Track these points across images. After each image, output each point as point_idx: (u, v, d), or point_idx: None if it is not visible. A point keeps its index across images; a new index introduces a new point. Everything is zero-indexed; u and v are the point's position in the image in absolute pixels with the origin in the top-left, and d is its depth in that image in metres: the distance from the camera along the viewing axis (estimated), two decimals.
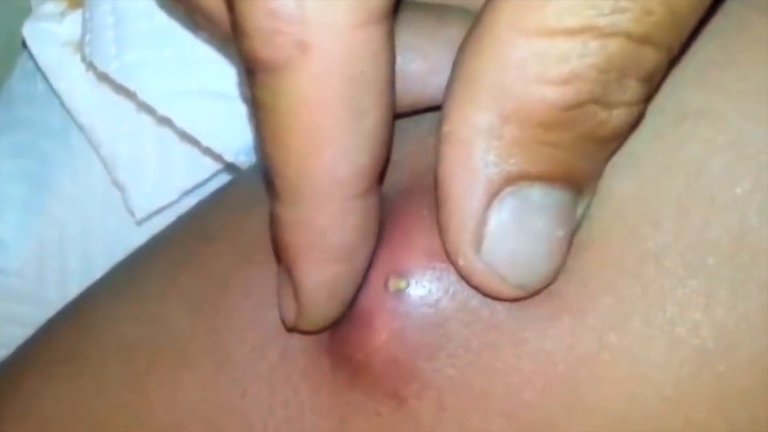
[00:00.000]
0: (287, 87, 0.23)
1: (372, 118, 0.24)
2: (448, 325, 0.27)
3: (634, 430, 0.26)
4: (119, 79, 0.35)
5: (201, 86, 0.35)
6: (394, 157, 0.29)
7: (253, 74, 0.24)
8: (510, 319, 0.27)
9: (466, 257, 0.25)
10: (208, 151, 0.36)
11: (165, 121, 0.35)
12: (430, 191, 0.27)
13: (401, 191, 0.28)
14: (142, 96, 0.35)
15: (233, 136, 0.35)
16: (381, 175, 0.26)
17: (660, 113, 0.27)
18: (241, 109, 0.35)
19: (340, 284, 0.26)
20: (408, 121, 0.29)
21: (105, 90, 0.37)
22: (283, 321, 0.28)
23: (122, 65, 0.35)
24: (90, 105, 0.37)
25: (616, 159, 0.26)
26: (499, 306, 0.27)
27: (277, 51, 0.23)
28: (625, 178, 0.27)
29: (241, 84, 0.34)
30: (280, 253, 0.27)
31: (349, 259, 0.26)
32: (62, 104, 0.38)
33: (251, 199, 0.31)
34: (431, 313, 0.27)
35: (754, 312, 0.26)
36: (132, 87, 0.35)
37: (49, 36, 0.37)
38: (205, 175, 0.37)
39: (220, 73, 0.35)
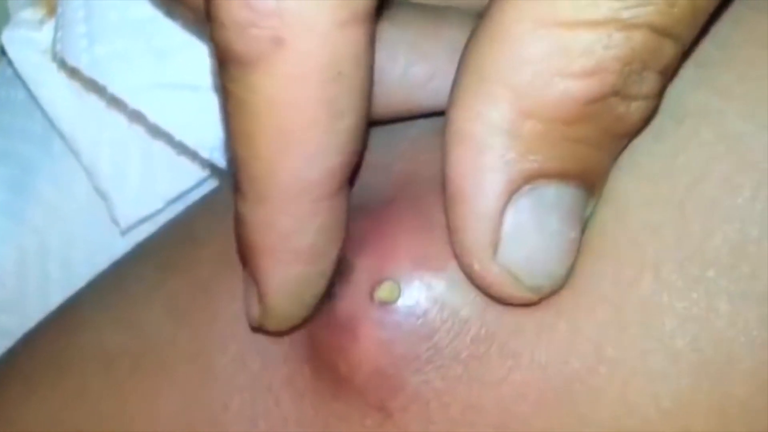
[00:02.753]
0: (259, 83, 0.23)
1: (347, 121, 0.24)
2: (437, 337, 0.26)
3: None
4: (89, 72, 0.34)
5: (174, 79, 0.34)
6: (381, 160, 0.28)
7: (226, 66, 0.23)
8: (501, 330, 0.26)
9: (483, 260, 0.25)
10: (186, 151, 0.35)
11: (136, 116, 0.34)
12: (419, 197, 0.27)
13: (387, 197, 0.27)
14: (112, 89, 0.34)
15: (208, 131, 0.34)
16: (352, 177, 0.25)
17: (660, 113, 0.26)
18: (216, 103, 0.34)
19: (306, 285, 0.26)
20: (395, 123, 0.29)
21: (86, 97, 0.36)
22: (248, 320, 0.27)
23: (92, 59, 0.34)
24: (71, 112, 0.36)
25: (618, 160, 0.26)
26: (490, 316, 0.26)
27: (251, 45, 0.22)
28: (625, 182, 0.26)
29: (214, 74, 0.33)
30: (243, 251, 0.26)
31: (314, 260, 0.25)
32: (43, 111, 0.37)
33: (232, 203, 0.30)
34: (419, 323, 0.26)
35: (754, 325, 0.25)
36: (102, 81, 0.34)
37: (29, 43, 0.36)
38: (190, 183, 0.36)
39: (195, 65, 0.34)
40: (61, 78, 0.37)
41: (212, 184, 0.36)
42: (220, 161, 0.34)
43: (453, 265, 0.26)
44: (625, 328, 0.26)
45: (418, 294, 0.26)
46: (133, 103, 0.34)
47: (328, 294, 0.27)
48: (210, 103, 0.34)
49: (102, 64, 0.34)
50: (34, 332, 0.33)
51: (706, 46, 0.27)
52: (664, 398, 0.26)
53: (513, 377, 0.26)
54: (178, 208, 0.35)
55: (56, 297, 0.36)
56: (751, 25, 0.27)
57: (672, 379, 0.26)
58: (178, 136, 0.34)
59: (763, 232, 0.26)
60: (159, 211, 0.36)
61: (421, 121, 0.29)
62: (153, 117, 0.34)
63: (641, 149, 0.26)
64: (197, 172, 0.36)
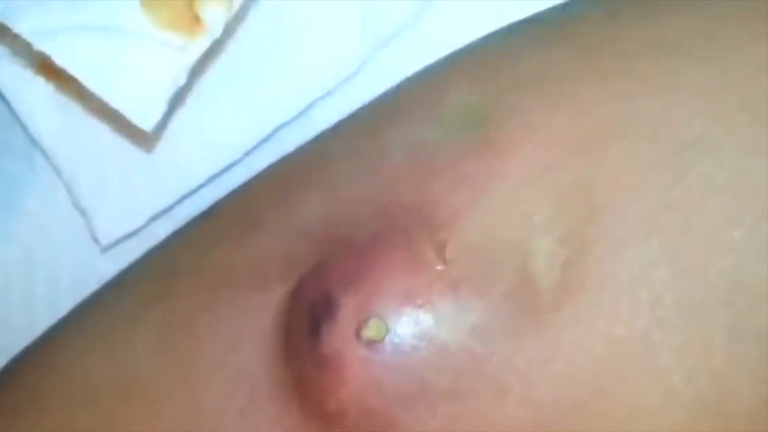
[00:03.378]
0: None
1: None
2: (427, 373, 0.26)
3: None
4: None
5: (86, 21, 0.31)
6: (363, 192, 0.28)
7: None
8: (493, 366, 0.25)
9: None
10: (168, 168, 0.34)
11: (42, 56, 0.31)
12: (404, 230, 0.26)
13: (372, 231, 0.27)
14: (18, 30, 0.31)
15: (120, 77, 0.31)
16: None
17: (656, 141, 0.26)
18: (130, 46, 0.30)
19: None
20: (370, 151, 0.28)
21: (67, 111, 0.35)
22: None
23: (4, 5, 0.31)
24: (51, 127, 0.35)
25: (611, 190, 0.26)
26: (480, 351, 0.25)
27: None
28: (621, 213, 0.26)
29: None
30: None
31: None
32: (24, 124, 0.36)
33: (219, 233, 0.30)
34: (407, 360, 0.26)
35: (753, 360, 0.25)
36: (9, 23, 0.31)
37: (9, 57, 0.35)
38: (172, 199, 0.35)
39: (110, 6, 0.31)
40: (41, 91, 0.36)
41: (195, 200, 0.36)
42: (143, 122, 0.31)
43: (441, 300, 0.26)
44: (622, 363, 0.25)
45: (405, 330, 0.26)
46: (39, 44, 0.31)
47: (314, 332, 0.26)
48: (124, 49, 0.31)
49: (10, 7, 0.31)
50: (16, 363, 0.33)
51: (707, 72, 0.26)
52: None
53: (506, 413, 0.25)
54: (161, 224, 0.34)
55: (41, 311, 0.35)
56: (747, 51, 0.27)
57: (669, 415, 0.25)
58: (87, 82, 0.31)
59: (762, 266, 0.25)
60: (140, 228, 0.35)
61: (398, 145, 0.28)
62: (60, 60, 0.31)
63: (636, 180, 0.26)
64: (179, 189, 0.35)
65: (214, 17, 0.29)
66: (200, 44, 0.29)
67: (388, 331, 0.26)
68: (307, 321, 0.26)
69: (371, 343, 0.26)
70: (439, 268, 0.26)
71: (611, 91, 0.27)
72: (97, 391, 0.29)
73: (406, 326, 0.26)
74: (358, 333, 0.26)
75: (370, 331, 0.26)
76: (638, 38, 0.28)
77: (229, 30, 0.32)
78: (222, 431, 0.27)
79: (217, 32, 0.29)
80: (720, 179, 0.26)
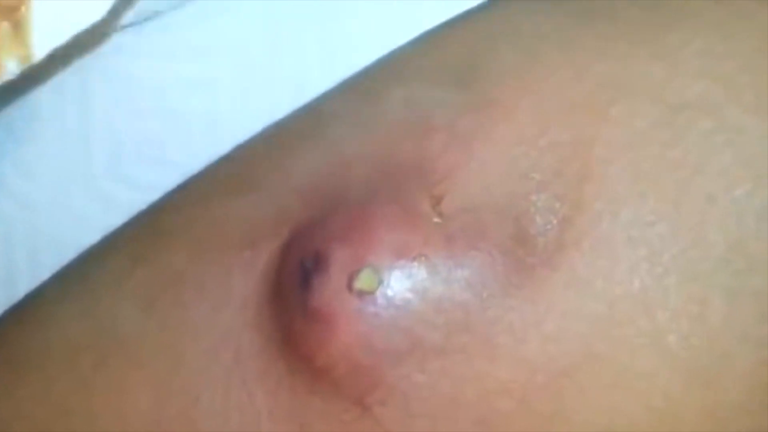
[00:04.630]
0: None
1: None
2: (418, 328, 0.25)
3: None
4: None
5: None
6: (357, 150, 0.27)
7: None
8: (485, 322, 0.25)
9: None
10: None
11: None
12: (399, 186, 0.26)
13: (365, 185, 0.26)
14: None
15: None
16: None
17: (657, 101, 0.26)
18: None
19: None
20: (366, 110, 0.28)
21: None
22: None
23: None
24: None
25: (611, 148, 0.25)
26: (474, 308, 0.25)
27: None
28: (620, 171, 0.25)
29: None
30: None
31: None
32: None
33: (206, 193, 0.29)
34: (399, 315, 0.25)
35: (751, 322, 0.25)
36: None
37: None
38: None
39: None
40: None
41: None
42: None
43: (436, 253, 0.25)
44: (616, 324, 0.25)
45: (398, 284, 0.25)
46: None
47: (304, 286, 0.26)
48: None
49: None
50: None
51: (705, 34, 0.26)
52: (654, 398, 0.25)
53: (496, 372, 0.25)
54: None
55: (22, 286, 0.35)
56: (753, 16, 0.27)
57: (662, 378, 0.25)
58: None
59: (761, 226, 0.25)
60: None
61: (396, 101, 0.28)
62: None
63: (636, 139, 0.26)
64: None
65: (12, 65, 0.31)
66: None
67: (380, 283, 0.25)
68: (298, 274, 0.26)
69: (363, 296, 0.25)
70: (435, 221, 0.25)
71: (610, 54, 0.27)
72: (79, 351, 0.29)
73: (399, 279, 0.25)
74: (349, 285, 0.25)
75: (362, 283, 0.25)
76: (638, 4, 0.28)
77: None
78: (208, 388, 0.27)
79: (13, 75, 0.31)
80: (720, 139, 0.25)
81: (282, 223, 0.27)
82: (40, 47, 0.30)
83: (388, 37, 0.31)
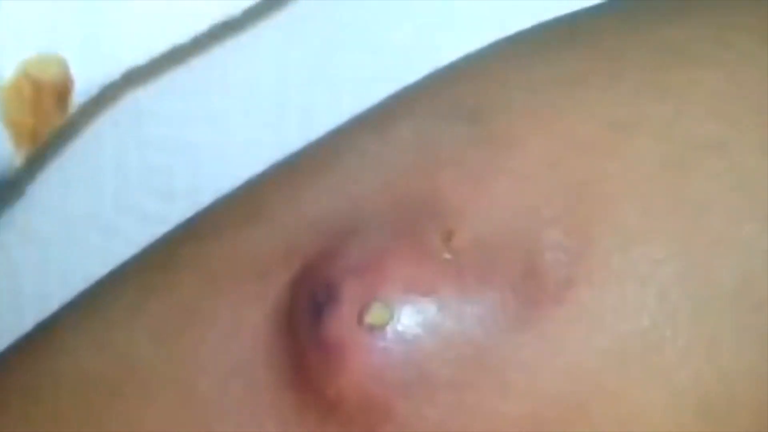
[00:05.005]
0: None
1: None
2: (428, 363, 0.25)
3: None
4: None
5: None
6: (370, 183, 0.27)
7: None
8: (495, 357, 0.25)
9: None
10: None
11: None
12: (409, 219, 0.26)
13: (376, 219, 0.27)
14: None
15: None
16: None
17: (665, 141, 0.26)
18: None
19: None
20: (378, 145, 0.28)
21: None
22: None
23: None
24: None
25: (620, 186, 0.26)
26: (485, 343, 0.25)
27: None
28: (630, 208, 0.26)
29: None
30: None
31: None
32: None
33: (218, 225, 0.30)
34: (410, 349, 0.25)
35: (759, 359, 0.25)
36: None
37: None
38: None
39: None
40: None
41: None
42: None
43: (446, 289, 0.25)
44: (627, 360, 0.25)
45: (408, 318, 0.25)
46: None
47: (315, 318, 0.26)
48: None
49: None
50: (6, 355, 0.32)
51: (711, 75, 0.27)
52: (665, 430, 0.25)
53: (507, 407, 0.25)
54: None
55: (30, 317, 0.35)
56: (756, 57, 0.27)
57: (673, 415, 0.25)
58: None
59: None
60: None
61: (403, 134, 0.28)
62: None
63: (645, 178, 0.26)
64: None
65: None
66: None
67: (391, 317, 0.25)
68: (309, 307, 0.26)
69: (374, 330, 0.25)
70: (446, 257, 0.26)
71: (619, 94, 0.27)
72: (91, 382, 0.29)
73: (410, 314, 0.25)
74: (360, 318, 0.25)
75: (373, 317, 0.25)
76: (648, 43, 0.28)
77: None
78: (219, 420, 0.27)
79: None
80: (728, 179, 0.26)
81: (293, 255, 0.27)
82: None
83: (396, 72, 0.31)
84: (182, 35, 0.33)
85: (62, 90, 0.32)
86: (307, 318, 0.26)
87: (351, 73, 0.34)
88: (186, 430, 0.27)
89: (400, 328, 0.25)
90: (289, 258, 0.27)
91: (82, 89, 0.33)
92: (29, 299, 0.38)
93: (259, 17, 0.35)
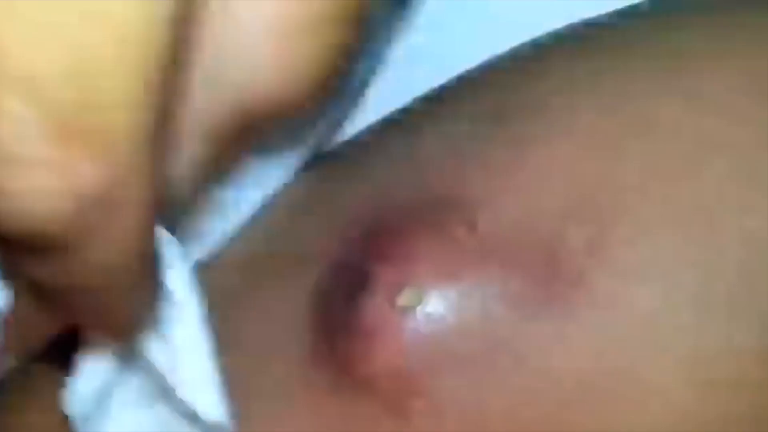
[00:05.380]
0: None
1: None
2: (455, 343, 0.27)
3: None
4: None
5: None
6: (396, 178, 0.29)
7: None
8: (515, 337, 0.27)
9: None
10: None
11: None
12: (435, 211, 0.28)
13: (405, 211, 0.29)
14: None
15: None
16: None
17: (678, 139, 0.28)
18: None
19: None
20: (406, 144, 0.30)
21: None
22: None
23: None
24: None
25: (637, 181, 0.27)
26: (504, 323, 0.27)
27: None
28: (646, 202, 0.27)
29: None
30: None
31: None
32: None
33: (258, 215, 0.32)
34: (438, 330, 0.27)
35: (763, 338, 0.27)
36: None
37: None
38: None
39: None
40: None
41: None
42: None
43: (470, 275, 0.27)
44: (639, 342, 0.27)
45: (436, 302, 0.27)
46: None
47: (350, 303, 0.28)
48: None
49: None
50: None
51: (729, 74, 0.28)
52: (672, 411, 0.27)
53: (525, 383, 0.27)
54: None
55: None
56: None
57: (679, 392, 0.27)
58: None
59: None
60: None
61: (434, 140, 0.30)
62: None
63: (659, 176, 0.28)
64: None
65: None
66: None
67: (420, 301, 0.27)
68: (345, 291, 0.28)
69: (405, 312, 0.27)
70: (471, 245, 0.28)
71: (634, 94, 0.29)
72: None
73: (438, 298, 0.27)
74: (392, 302, 0.27)
75: (405, 301, 0.27)
76: (659, 46, 0.30)
77: None
78: (255, 399, 0.29)
79: None
80: (738, 175, 0.27)
81: (331, 243, 0.29)
82: None
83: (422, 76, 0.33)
84: None
85: None
86: (343, 302, 0.28)
87: (380, 76, 0.35)
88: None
89: (429, 310, 0.27)
90: (327, 246, 0.29)
91: None
92: None
93: None
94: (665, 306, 0.27)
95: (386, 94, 0.34)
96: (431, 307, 0.27)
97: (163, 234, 0.22)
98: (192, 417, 0.25)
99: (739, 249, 0.27)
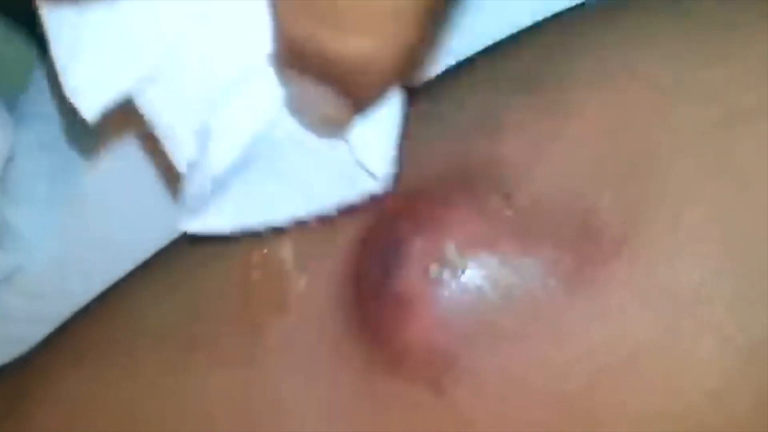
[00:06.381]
0: None
1: None
2: (490, 314, 0.27)
3: (676, 425, 0.26)
4: None
5: None
6: (432, 148, 0.29)
7: None
8: (553, 310, 0.27)
9: None
10: None
11: None
12: (471, 181, 0.28)
13: (441, 181, 0.28)
14: None
15: None
16: None
17: (714, 106, 0.27)
18: None
19: None
20: (441, 111, 0.30)
21: None
22: None
23: None
24: None
25: (673, 151, 0.27)
26: (542, 296, 0.27)
27: None
28: (682, 172, 0.27)
29: None
30: None
31: None
32: None
33: None
34: (473, 300, 0.27)
35: None
36: None
37: None
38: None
39: None
40: None
41: None
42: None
43: (506, 245, 0.27)
44: (678, 314, 0.27)
45: (472, 272, 0.27)
46: None
47: (385, 274, 0.27)
48: None
49: None
50: (82, 313, 0.34)
51: (763, 42, 0.28)
52: (712, 381, 0.26)
53: (562, 357, 0.27)
54: None
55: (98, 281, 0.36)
56: None
57: (720, 363, 0.26)
58: None
59: None
60: None
61: (472, 105, 0.30)
62: None
63: (697, 142, 0.27)
64: None
65: None
66: None
67: (456, 271, 0.27)
68: (379, 262, 0.28)
69: (440, 283, 0.27)
70: (507, 215, 0.27)
71: (670, 61, 0.28)
72: (165, 335, 0.30)
73: (473, 268, 0.27)
74: (427, 273, 0.27)
75: (439, 271, 0.27)
76: (696, 14, 0.29)
77: None
78: (289, 372, 0.28)
79: None
80: None
81: (365, 213, 0.29)
82: None
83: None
84: None
85: None
86: (377, 272, 0.28)
87: None
88: (258, 380, 0.29)
89: (464, 280, 0.27)
90: (361, 215, 0.29)
91: None
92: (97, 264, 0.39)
93: None
94: (709, 278, 0.27)
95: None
96: (466, 277, 0.27)
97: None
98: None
99: None
